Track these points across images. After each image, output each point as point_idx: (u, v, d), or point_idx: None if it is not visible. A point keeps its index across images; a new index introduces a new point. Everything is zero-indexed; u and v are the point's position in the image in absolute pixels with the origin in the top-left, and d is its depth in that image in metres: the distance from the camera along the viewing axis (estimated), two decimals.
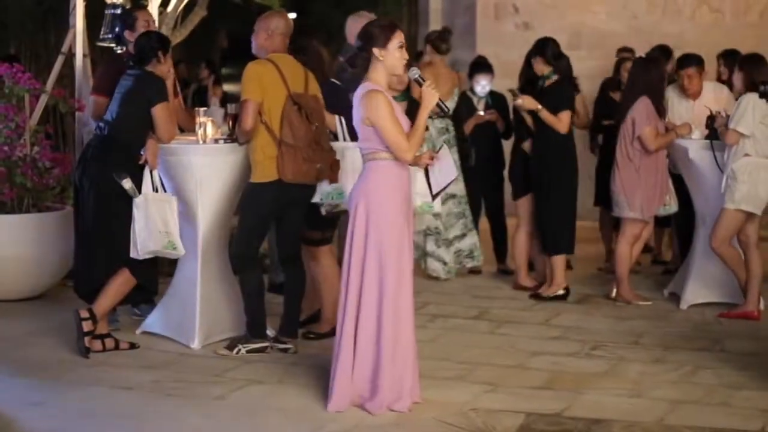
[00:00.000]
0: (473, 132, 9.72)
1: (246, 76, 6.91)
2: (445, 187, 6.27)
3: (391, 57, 5.89)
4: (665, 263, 10.19)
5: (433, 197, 6.46)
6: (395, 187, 5.93)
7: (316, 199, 7.19)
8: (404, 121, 5.94)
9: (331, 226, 7.68)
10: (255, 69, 6.94)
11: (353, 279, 5.95)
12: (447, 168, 6.16)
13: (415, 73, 6.00)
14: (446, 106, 6.14)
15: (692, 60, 8.96)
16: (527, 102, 8.75)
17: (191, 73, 15.17)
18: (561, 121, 8.72)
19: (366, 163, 6.00)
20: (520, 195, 9.22)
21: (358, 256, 5.94)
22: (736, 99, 8.28)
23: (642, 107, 8.45)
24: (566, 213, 8.86)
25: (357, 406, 5.98)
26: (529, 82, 8.99)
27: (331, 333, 7.13)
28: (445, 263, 9.61)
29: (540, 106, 8.70)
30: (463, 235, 9.72)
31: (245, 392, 6.35)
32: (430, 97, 5.88)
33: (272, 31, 7.07)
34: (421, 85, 5.95)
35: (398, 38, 5.90)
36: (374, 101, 5.84)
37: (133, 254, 6.91)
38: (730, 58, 9.54)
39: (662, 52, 10.08)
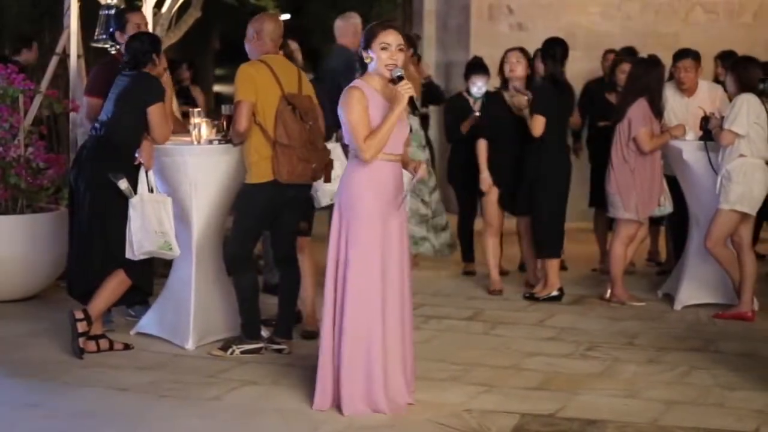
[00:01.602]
0: (469, 132, 9.71)
1: (239, 78, 6.92)
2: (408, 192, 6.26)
3: (376, 59, 5.89)
4: (660, 264, 10.20)
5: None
6: (372, 185, 5.90)
7: (326, 201, 7.23)
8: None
9: (312, 216, 7.75)
10: (248, 70, 6.94)
11: (330, 276, 5.97)
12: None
13: (396, 72, 5.90)
14: (416, 106, 6.03)
15: (689, 53, 9.00)
16: (516, 101, 8.82)
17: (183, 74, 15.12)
18: (532, 125, 8.72)
19: (349, 160, 6.04)
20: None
21: (334, 254, 5.96)
22: (730, 101, 8.30)
23: (639, 108, 8.46)
24: (558, 216, 8.86)
25: (335, 406, 5.98)
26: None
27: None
28: (434, 245, 9.96)
29: (524, 108, 8.76)
30: (445, 227, 10.11)
31: (240, 393, 6.35)
32: (400, 97, 5.82)
33: (262, 34, 7.06)
34: (395, 84, 5.88)
35: (380, 39, 5.86)
36: (346, 97, 5.87)
37: (129, 255, 6.91)
38: (728, 59, 9.55)
39: (629, 53, 10.17)
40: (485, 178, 9.04)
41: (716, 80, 9.70)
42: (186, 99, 12.68)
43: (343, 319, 5.88)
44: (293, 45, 8.00)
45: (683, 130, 8.60)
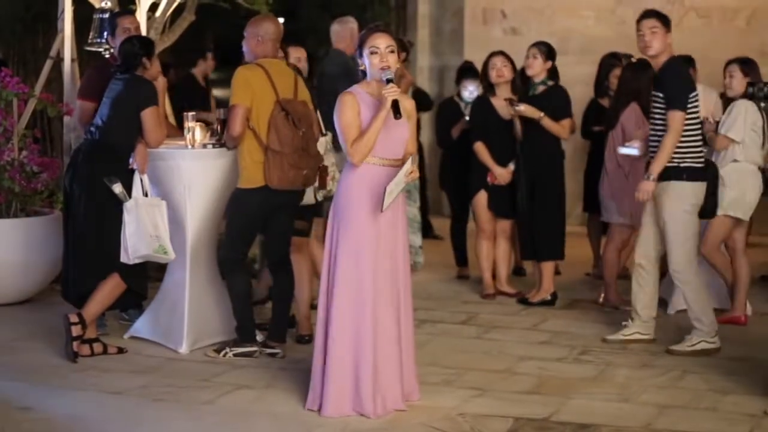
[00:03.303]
0: (460, 137, 9.70)
1: (235, 82, 6.91)
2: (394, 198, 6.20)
3: (368, 64, 5.93)
4: None
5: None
6: (364, 189, 5.91)
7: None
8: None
9: (312, 216, 7.75)
10: (244, 74, 6.93)
11: (324, 278, 6.01)
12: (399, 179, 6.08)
13: (385, 75, 5.90)
14: (399, 110, 5.93)
15: (686, 58, 9.04)
16: (528, 110, 8.62)
17: (178, 77, 15.17)
18: (564, 128, 8.69)
19: (345, 164, 6.05)
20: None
21: (328, 256, 5.98)
22: (728, 102, 8.31)
23: (631, 114, 8.48)
24: (558, 219, 8.86)
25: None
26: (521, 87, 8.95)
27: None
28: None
29: (542, 114, 8.62)
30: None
31: (234, 397, 6.35)
32: (384, 100, 5.84)
33: (262, 36, 7.06)
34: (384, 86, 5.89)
35: (369, 44, 5.91)
36: (339, 103, 5.91)
37: (123, 259, 6.91)
38: (746, 64, 9.41)
39: (614, 57, 10.16)
40: (501, 173, 8.91)
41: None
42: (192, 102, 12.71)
43: (329, 322, 5.90)
44: (299, 53, 8.01)
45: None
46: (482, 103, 9.11)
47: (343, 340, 5.89)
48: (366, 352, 5.88)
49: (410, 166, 5.93)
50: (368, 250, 5.90)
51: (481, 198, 9.08)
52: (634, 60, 9.19)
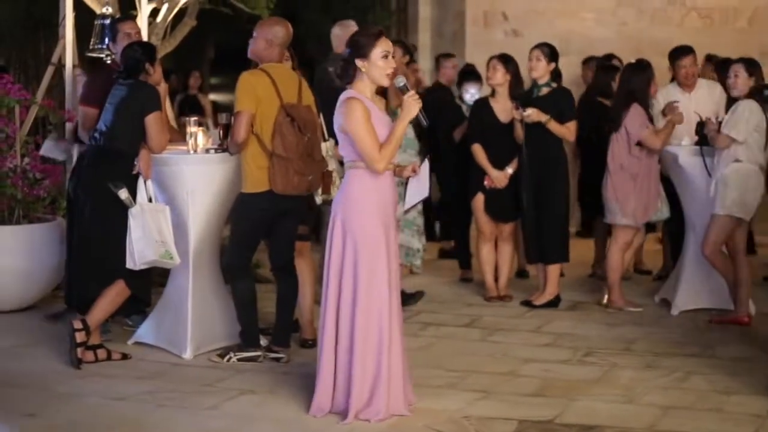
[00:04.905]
0: (462, 140, 9.70)
1: (240, 88, 6.88)
2: (416, 204, 6.18)
3: (374, 67, 5.87)
4: (647, 273, 10.17)
5: (405, 211, 6.33)
6: (373, 196, 5.91)
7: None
8: (384, 131, 5.89)
9: (313, 220, 7.76)
10: (249, 80, 6.91)
11: (332, 288, 5.96)
12: (423, 184, 6.08)
13: (400, 81, 5.93)
14: (426, 119, 6.02)
15: (689, 50, 9.13)
16: (535, 114, 8.57)
17: (179, 83, 15.20)
18: (570, 131, 8.69)
19: (346, 171, 6.01)
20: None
21: (336, 266, 5.95)
22: (731, 102, 8.32)
23: (634, 115, 8.45)
24: (563, 221, 8.85)
25: (337, 413, 5.97)
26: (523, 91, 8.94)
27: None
28: (422, 258, 9.89)
29: (548, 117, 8.60)
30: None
31: (238, 402, 6.35)
32: (410, 107, 5.83)
33: (271, 40, 7.03)
34: (404, 94, 5.91)
35: (382, 47, 5.86)
36: (349, 109, 5.83)
37: (129, 264, 6.90)
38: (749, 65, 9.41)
39: (608, 60, 10.18)
40: (497, 176, 8.90)
41: None
42: (193, 107, 12.74)
43: (353, 329, 5.87)
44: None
45: (682, 116, 8.55)
46: (482, 106, 9.11)
47: (369, 346, 5.88)
48: (383, 357, 5.89)
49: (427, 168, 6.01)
50: (384, 255, 5.91)
51: (479, 201, 9.07)
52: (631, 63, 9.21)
